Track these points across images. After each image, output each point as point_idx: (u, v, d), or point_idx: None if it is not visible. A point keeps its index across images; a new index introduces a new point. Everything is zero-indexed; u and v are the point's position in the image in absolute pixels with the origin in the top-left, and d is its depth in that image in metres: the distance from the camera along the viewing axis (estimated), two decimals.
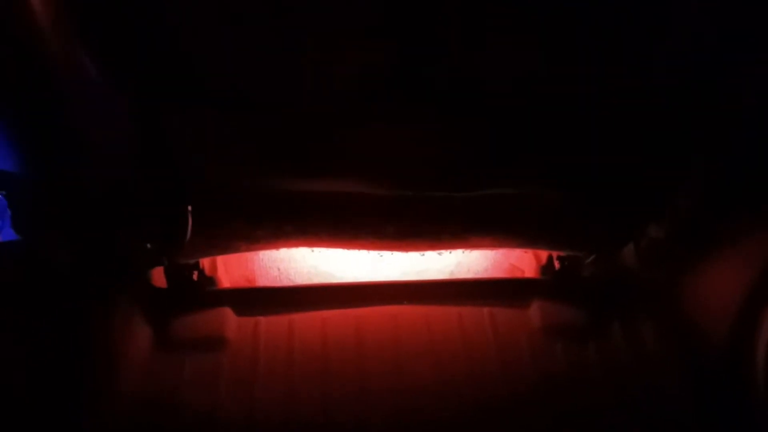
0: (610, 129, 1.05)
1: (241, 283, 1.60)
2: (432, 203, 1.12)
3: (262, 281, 1.63)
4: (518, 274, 1.68)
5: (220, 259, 1.50)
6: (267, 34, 0.67)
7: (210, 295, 1.45)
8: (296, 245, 1.26)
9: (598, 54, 0.88)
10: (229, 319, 1.42)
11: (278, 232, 1.15)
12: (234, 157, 0.86)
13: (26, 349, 1.19)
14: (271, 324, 1.43)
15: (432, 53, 0.74)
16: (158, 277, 1.44)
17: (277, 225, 1.13)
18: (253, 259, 1.62)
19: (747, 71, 0.99)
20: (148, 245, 1.01)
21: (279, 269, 1.63)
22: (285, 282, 1.63)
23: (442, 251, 1.38)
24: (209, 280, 1.45)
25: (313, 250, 1.39)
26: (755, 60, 0.97)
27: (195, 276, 1.41)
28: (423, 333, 1.45)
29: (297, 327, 1.43)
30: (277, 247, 1.28)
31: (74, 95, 0.75)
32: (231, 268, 1.58)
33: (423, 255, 1.41)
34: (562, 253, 1.50)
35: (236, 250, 1.27)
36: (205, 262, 1.45)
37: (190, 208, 0.87)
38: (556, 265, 1.54)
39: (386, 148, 0.86)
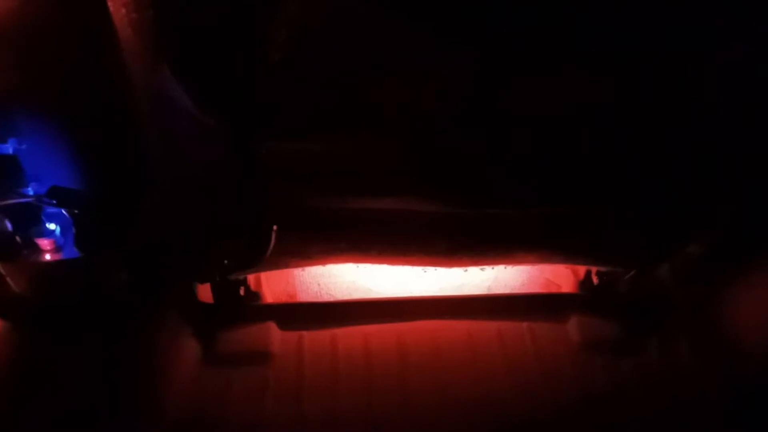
0: (656, 148, 1.07)
1: (283, 299, 1.63)
2: (483, 220, 1.14)
3: (303, 296, 1.65)
4: (554, 289, 1.69)
5: (263, 275, 1.53)
6: (344, 63, 0.70)
7: (255, 310, 1.48)
8: (345, 261, 1.29)
9: (647, 76, 0.91)
10: (274, 334, 1.44)
11: (331, 248, 1.18)
12: (307, 179, 0.89)
13: (80, 364, 1.22)
14: (315, 338, 1.45)
15: (495, 78, 0.77)
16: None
17: (332, 241, 1.16)
18: (293, 274, 1.64)
19: None
20: (225, 261, 1.04)
21: (319, 284, 1.66)
22: (325, 297, 1.65)
23: (485, 267, 1.41)
24: (254, 296, 1.48)
25: (358, 266, 1.42)
26: None
27: (242, 291, 1.44)
28: (464, 347, 1.47)
29: (340, 341, 1.45)
30: (325, 263, 1.31)
31: (157, 120, 0.78)
32: (272, 284, 1.61)
33: (466, 270, 1.44)
34: (602, 269, 1.51)
35: (286, 266, 1.30)
36: (250, 278, 1.48)
37: (276, 227, 0.90)
38: (595, 280, 1.56)
39: (449, 168, 0.89)
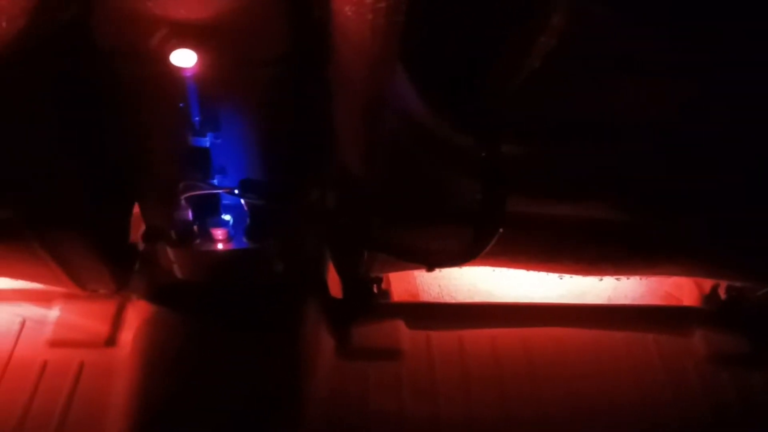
0: None
1: (405, 298, 1.66)
2: (638, 229, 1.15)
3: (425, 297, 1.68)
4: (674, 302, 1.68)
5: (392, 273, 1.56)
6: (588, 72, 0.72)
7: (384, 307, 1.51)
8: (488, 265, 1.31)
9: None
10: (403, 332, 1.47)
11: None
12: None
13: (239, 352, 1.28)
14: (442, 338, 1.47)
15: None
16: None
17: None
18: (414, 274, 1.67)
19: None
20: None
21: (440, 286, 1.68)
22: (446, 298, 1.68)
23: (621, 277, 1.41)
24: (385, 293, 1.51)
25: (494, 270, 1.43)
26: None
27: (375, 288, 1.48)
28: (590, 357, 1.47)
29: (467, 343, 1.47)
30: (462, 265, 1.33)
31: (374, 122, 0.81)
32: (395, 283, 1.64)
33: (601, 280, 1.44)
34: (736, 284, 1.50)
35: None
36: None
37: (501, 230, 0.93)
38: (722, 295, 1.55)
39: (644, 175, 0.90)
